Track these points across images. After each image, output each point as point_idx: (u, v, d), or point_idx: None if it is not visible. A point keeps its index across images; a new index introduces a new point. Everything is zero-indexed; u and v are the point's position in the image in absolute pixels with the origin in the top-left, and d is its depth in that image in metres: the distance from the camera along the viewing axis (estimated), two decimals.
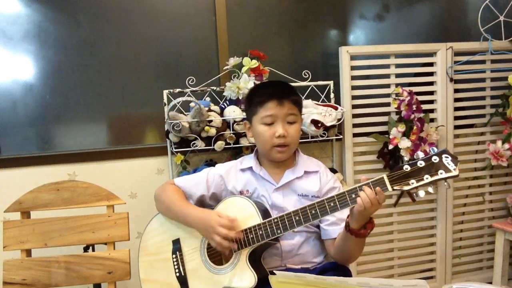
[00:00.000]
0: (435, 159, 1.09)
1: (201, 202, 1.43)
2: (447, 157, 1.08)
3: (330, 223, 1.34)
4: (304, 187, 1.39)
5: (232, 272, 1.27)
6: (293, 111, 1.35)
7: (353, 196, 1.16)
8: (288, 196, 1.38)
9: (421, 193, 1.10)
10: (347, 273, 1.39)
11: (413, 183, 1.09)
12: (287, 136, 1.33)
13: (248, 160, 1.45)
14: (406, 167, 1.10)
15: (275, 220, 1.24)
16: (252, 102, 1.39)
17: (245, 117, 1.48)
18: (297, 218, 1.22)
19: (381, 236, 2.20)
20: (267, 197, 1.38)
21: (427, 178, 1.08)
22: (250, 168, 1.41)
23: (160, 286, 1.37)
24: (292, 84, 1.96)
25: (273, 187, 1.38)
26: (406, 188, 1.10)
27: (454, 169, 1.07)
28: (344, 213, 1.29)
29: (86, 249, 1.58)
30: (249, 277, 1.24)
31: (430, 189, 1.10)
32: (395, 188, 1.11)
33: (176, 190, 1.42)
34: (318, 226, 1.39)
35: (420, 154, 1.10)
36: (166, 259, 1.37)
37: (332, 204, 1.18)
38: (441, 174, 1.07)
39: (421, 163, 1.09)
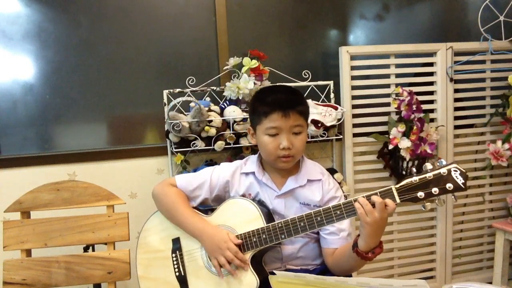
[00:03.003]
0: (444, 172, 1.09)
1: (203, 202, 1.42)
2: (456, 171, 1.09)
3: (329, 233, 1.33)
4: (306, 196, 1.36)
5: (234, 274, 1.26)
6: (299, 122, 1.30)
7: None
8: (290, 204, 1.36)
9: (428, 205, 1.11)
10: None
11: (422, 195, 1.09)
12: (292, 148, 1.30)
13: (251, 163, 1.42)
14: (415, 179, 1.10)
15: (279, 225, 1.23)
16: (256, 110, 1.34)
17: (246, 117, 1.46)
18: (302, 224, 1.21)
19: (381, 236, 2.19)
20: (268, 202, 1.37)
21: (435, 192, 1.09)
22: (253, 173, 1.39)
23: (159, 285, 1.36)
24: (292, 84, 1.98)
25: (275, 193, 1.36)
26: (414, 200, 1.10)
27: (463, 184, 1.08)
28: (343, 224, 1.30)
29: (86, 249, 1.58)
30: (251, 280, 1.24)
31: (437, 202, 1.10)
32: (403, 199, 1.11)
33: (179, 194, 1.38)
34: (317, 232, 1.37)
35: (429, 166, 1.10)
36: (165, 257, 1.36)
37: (338, 212, 1.17)
38: (450, 188, 1.08)
39: (429, 176, 1.09)
